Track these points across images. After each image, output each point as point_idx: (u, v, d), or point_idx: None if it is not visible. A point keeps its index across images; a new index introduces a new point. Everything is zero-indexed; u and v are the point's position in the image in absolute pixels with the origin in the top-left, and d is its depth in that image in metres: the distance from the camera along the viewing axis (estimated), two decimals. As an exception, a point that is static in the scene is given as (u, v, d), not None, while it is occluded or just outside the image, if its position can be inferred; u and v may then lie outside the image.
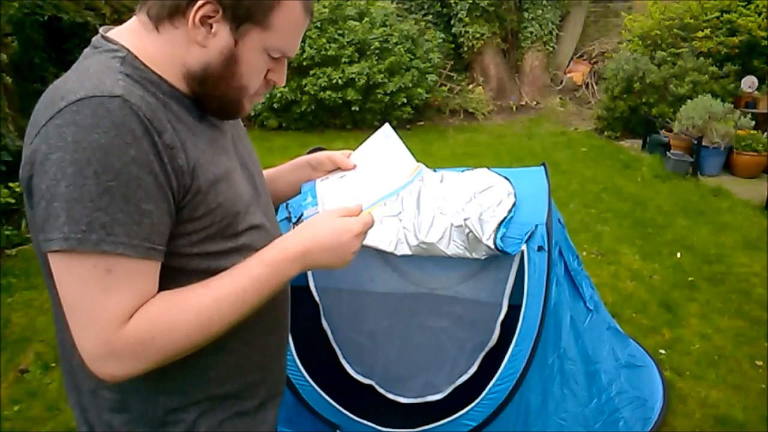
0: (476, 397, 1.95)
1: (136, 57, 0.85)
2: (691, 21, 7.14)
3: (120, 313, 0.79)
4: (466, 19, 8.76)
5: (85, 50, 0.89)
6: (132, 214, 0.77)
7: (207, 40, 0.85)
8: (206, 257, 0.89)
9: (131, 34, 0.88)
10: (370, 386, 2.25)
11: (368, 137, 1.16)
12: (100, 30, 0.91)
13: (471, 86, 8.99)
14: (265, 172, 1.19)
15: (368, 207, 1.00)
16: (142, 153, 0.77)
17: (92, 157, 0.74)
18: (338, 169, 1.15)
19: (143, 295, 0.81)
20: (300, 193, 1.16)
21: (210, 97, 0.90)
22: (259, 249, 0.92)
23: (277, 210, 1.29)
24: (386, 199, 1.02)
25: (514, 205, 2.07)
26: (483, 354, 2.15)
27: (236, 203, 0.92)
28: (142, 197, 0.78)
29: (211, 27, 0.85)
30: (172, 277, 0.86)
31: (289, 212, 2.08)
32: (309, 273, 2.32)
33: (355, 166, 1.13)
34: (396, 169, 1.07)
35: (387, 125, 1.16)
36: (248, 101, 0.95)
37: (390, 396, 2.22)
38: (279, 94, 7.32)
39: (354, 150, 1.17)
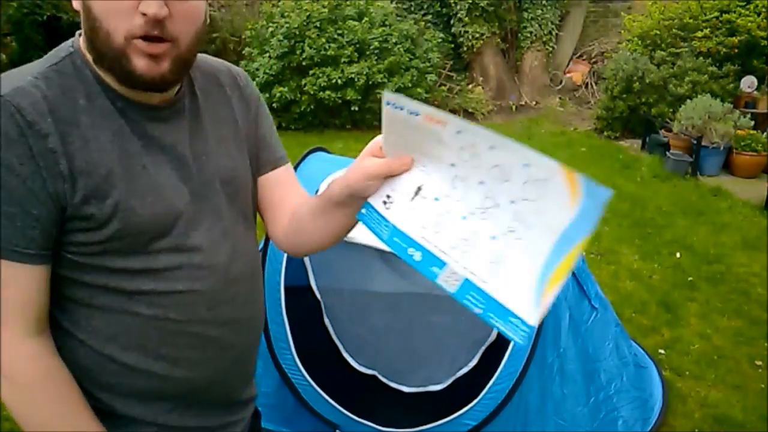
0: (476, 395, 1.96)
1: (84, 56, 0.85)
2: (691, 21, 7.14)
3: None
4: (466, 19, 8.76)
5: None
6: None
7: (77, 4, 0.83)
8: (104, 272, 0.85)
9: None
10: (373, 377, 2.26)
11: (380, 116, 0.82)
12: (77, 32, 0.90)
13: (470, 86, 8.98)
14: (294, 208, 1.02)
15: (550, 269, 0.72)
16: (9, 155, 0.76)
17: None
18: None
19: (21, 297, 0.81)
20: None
21: (104, 62, 0.83)
22: (189, 274, 0.88)
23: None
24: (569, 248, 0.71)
25: (513, 204, 2.07)
26: (483, 348, 2.15)
27: (148, 221, 0.84)
28: (5, 199, 0.77)
29: None
30: (66, 286, 0.86)
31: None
32: (310, 272, 2.33)
33: (412, 162, 0.81)
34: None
35: (386, 93, 0.77)
36: (133, 49, 0.80)
37: (392, 385, 2.23)
38: (278, 94, 7.32)
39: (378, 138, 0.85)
